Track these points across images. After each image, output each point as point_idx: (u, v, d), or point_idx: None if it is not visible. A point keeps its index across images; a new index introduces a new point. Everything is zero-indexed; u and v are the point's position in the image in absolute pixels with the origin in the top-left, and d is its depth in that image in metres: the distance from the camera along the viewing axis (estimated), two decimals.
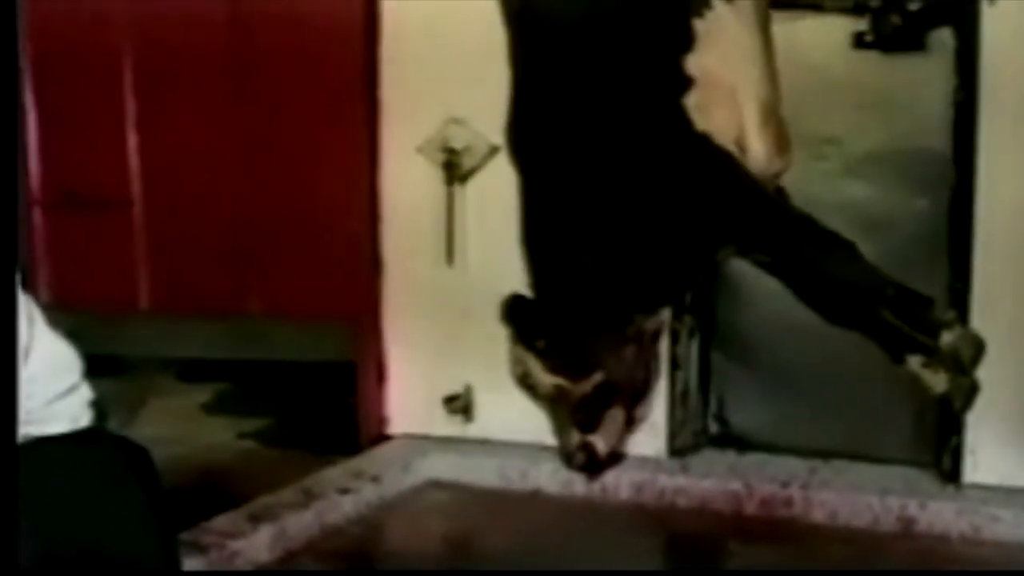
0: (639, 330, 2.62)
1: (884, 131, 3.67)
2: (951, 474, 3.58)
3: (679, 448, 3.79)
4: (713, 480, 3.63)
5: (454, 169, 4.01)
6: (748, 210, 2.49)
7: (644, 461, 3.55)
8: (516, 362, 2.64)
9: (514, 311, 2.64)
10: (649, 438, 3.40)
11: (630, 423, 2.66)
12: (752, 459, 3.77)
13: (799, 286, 2.58)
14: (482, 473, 3.83)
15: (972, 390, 2.57)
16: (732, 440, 3.88)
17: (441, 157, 3.97)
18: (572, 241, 2.52)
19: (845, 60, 3.65)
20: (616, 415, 2.61)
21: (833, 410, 3.74)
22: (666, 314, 2.74)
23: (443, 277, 4.01)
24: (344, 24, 3.91)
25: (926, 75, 3.59)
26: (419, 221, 4.00)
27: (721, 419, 3.89)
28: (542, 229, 2.58)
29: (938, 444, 3.65)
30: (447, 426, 3.97)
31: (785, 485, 3.57)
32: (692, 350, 3.87)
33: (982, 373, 2.53)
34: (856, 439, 3.72)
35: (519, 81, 2.55)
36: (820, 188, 3.58)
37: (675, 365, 3.81)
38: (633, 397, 2.67)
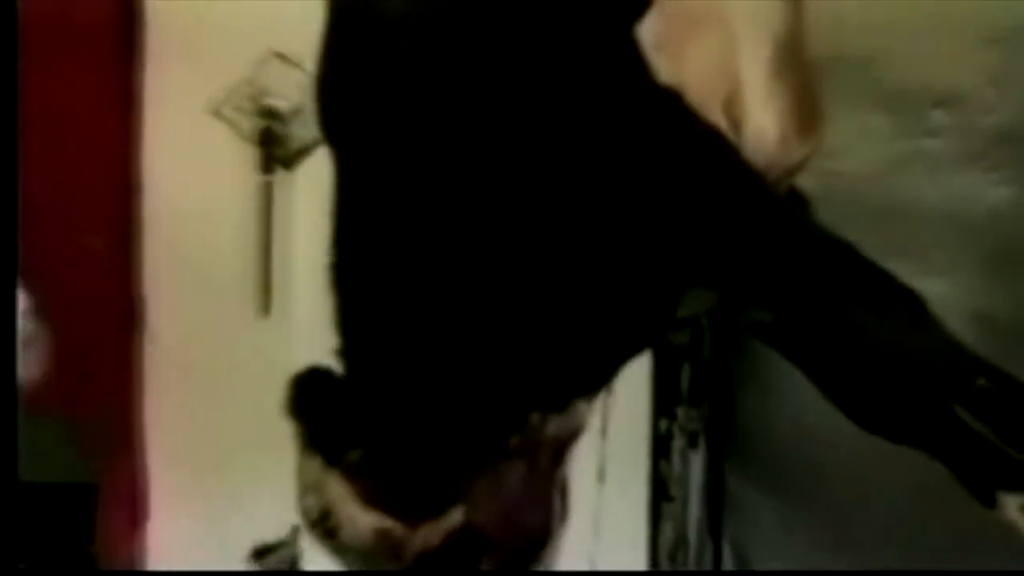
0: (533, 439, 1.60)
1: None
2: None
3: None
4: None
5: (273, 146, 2.65)
6: (737, 228, 1.50)
7: None
8: (309, 489, 1.61)
9: (307, 397, 1.64)
10: None
11: None
12: None
13: (820, 367, 1.56)
14: None
15: None
16: None
17: (251, 124, 2.65)
18: (415, 273, 1.53)
19: None
20: None
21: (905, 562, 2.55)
22: (583, 412, 1.65)
23: (252, 337, 2.65)
24: None
25: None
26: (210, 237, 2.65)
27: None
28: (363, 251, 1.57)
29: None
30: None
31: None
32: (694, 468, 2.69)
33: None
34: None
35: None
36: (909, 186, 2.41)
37: (662, 492, 2.63)
38: (517, 554, 1.60)
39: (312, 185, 2.63)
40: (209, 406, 2.65)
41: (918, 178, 2.51)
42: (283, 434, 2.35)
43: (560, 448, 1.62)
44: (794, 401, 2.56)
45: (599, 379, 1.65)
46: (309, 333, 2.48)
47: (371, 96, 1.49)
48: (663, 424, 2.64)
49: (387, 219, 1.52)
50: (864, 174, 2.33)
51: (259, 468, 2.56)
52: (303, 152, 2.67)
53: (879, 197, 2.33)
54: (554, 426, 1.58)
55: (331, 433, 1.59)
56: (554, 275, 1.51)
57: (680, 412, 2.70)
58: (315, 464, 1.59)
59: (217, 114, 2.68)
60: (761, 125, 1.59)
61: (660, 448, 2.66)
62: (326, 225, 2.09)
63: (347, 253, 1.56)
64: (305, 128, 2.63)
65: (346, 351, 1.57)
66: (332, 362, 1.60)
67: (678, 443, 2.69)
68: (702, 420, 2.71)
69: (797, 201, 1.73)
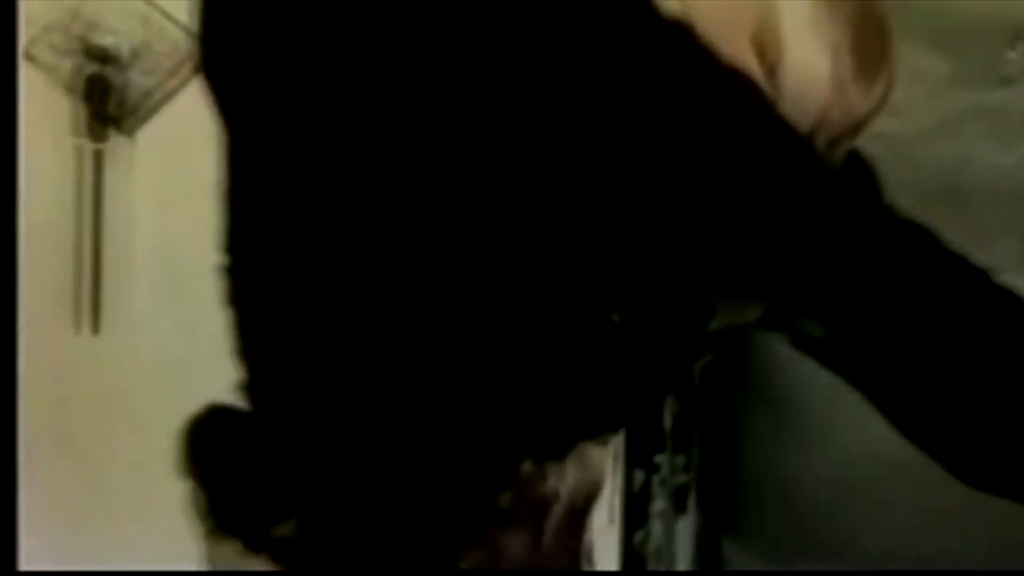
0: (531, 498, 1.25)
1: None
2: None
3: None
4: None
5: (105, 100, 2.16)
6: (775, 209, 1.22)
7: None
8: None
9: (209, 451, 1.29)
10: None
11: None
12: None
13: (895, 395, 1.26)
14: None
15: None
16: None
17: (74, 69, 2.15)
18: (345, 278, 1.23)
19: None
20: None
21: None
22: (596, 461, 1.33)
23: (74, 359, 2.25)
24: None
25: None
26: (14, 225, 2.02)
27: None
28: (270, 251, 1.28)
29: None
30: None
31: None
32: (681, 539, 2.18)
33: None
34: None
35: None
36: (972, 150, 2.06)
37: (636, 567, 2.11)
38: None
39: (160, 156, 2.19)
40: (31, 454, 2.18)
41: (984, 140, 2.17)
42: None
43: (574, 513, 1.27)
44: (820, 447, 2.12)
45: (611, 415, 1.28)
46: (155, 357, 2.25)
47: (281, 42, 1.19)
48: (638, 478, 2.11)
49: (306, 208, 1.20)
50: (912, 134, 1.98)
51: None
52: (147, 110, 2.21)
53: (931, 165, 1.98)
54: (557, 480, 1.25)
55: (251, 501, 1.24)
56: (538, 272, 1.18)
57: (662, 461, 2.18)
58: (231, 549, 1.24)
59: (28, 56, 2.23)
60: (807, 66, 1.26)
61: (634, 512, 2.13)
62: (181, 210, 2.13)
63: (247, 254, 1.25)
64: (150, 77, 2.18)
65: (252, 385, 1.24)
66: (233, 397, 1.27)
67: (659, 505, 2.16)
68: (692, 473, 2.20)
69: (859, 171, 1.42)
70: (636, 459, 2.12)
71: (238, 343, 1.28)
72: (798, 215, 1.22)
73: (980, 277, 1.27)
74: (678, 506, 2.21)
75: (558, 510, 1.28)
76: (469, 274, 1.18)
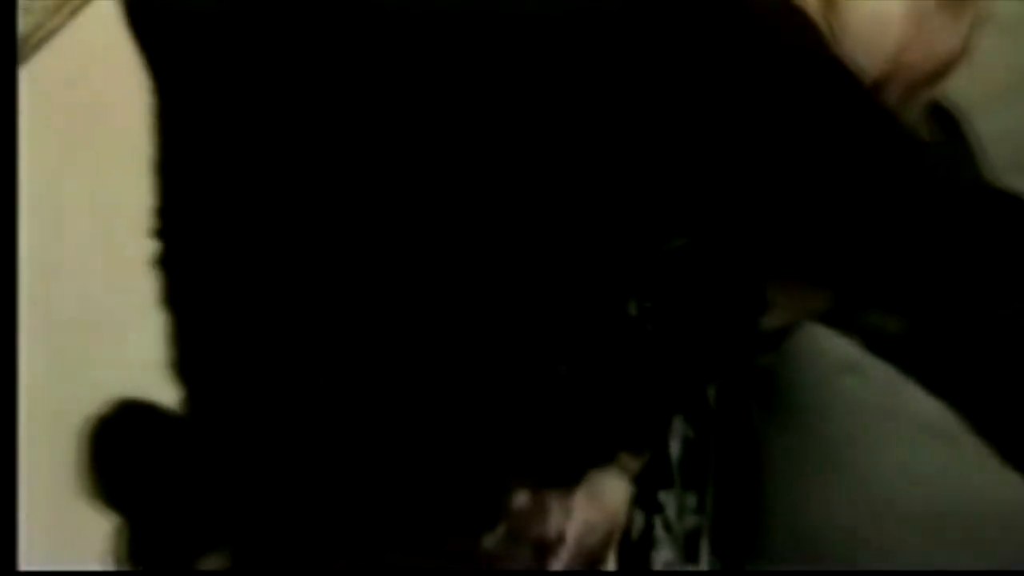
0: (528, 536, 1.02)
1: None
2: None
3: None
4: None
5: None
6: (842, 177, 1.03)
7: None
8: None
9: (121, 462, 1.10)
10: None
11: None
12: None
13: (987, 407, 1.07)
14: None
15: None
16: None
17: None
18: (300, 270, 1.04)
19: None
20: None
21: None
22: (614, 493, 1.15)
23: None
24: None
25: None
26: None
27: None
28: (209, 237, 1.10)
29: None
30: None
31: None
32: None
33: None
34: None
35: None
36: None
37: None
38: None
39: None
40: None
41: None
42: None
43: (590, 556, 1.10)
44: (857, 488, 1.73)
45: (637, 431, 1.12)
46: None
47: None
48: (637, 521, 1.72)
49: (249, 185, 1.06)
50: (978, 97, 1.59)
51: None
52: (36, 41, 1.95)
53: (1002, 134, 1.57)
54: (561, 517, 1.03)
55: (171, 526, 1.07)
56: (547, 256, 1.01)
57: (667, 500, 1.80)
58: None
59: None
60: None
61: (632, 563, 1.73)
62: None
63: (182, 240, 1.11)
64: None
65: (191, 395, 1.09)
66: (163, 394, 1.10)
67: (664, 554, 1.77)
68: (705, 514, 1.82)
69: (946, 130, 1.28)
70: (636, 497, 1.66)
71: (170, 346, 1.09)
72: (866, 183, 1.03)
73: None
74: (688, 555, 1.82)
75: (564, 556, 1.05)
76: (441, 267, 1.01)
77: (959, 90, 1.77)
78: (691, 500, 1.82)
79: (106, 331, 2.44)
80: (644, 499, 1.76)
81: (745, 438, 1.83)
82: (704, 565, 1.81)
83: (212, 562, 1.08)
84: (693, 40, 1.01)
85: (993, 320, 1.06)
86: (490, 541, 1.01)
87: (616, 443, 1.08)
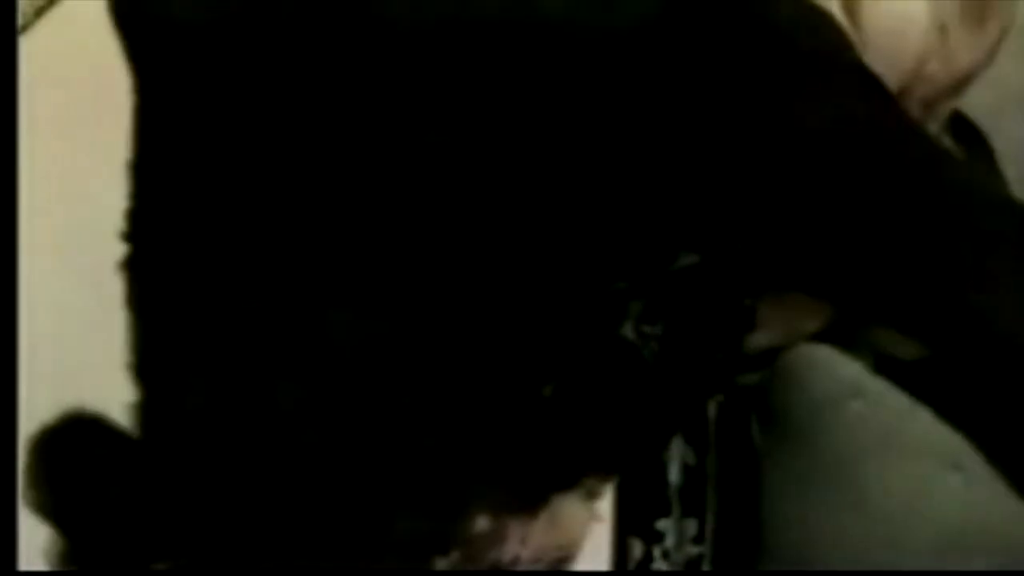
0: (481, 561, 1.01)
1: None
2: None
3: None
4: None
5: None
6: (851, 184, 0.99)
7: None
8: None
9: (64, 472, 1.10)
10: None
11: None
12: None
13: (1010, 442, 1.05)
14: None
15: None
16: None
17: None
18: (273, 276, 1.03)
19: None
20: None
21: None
22: (574, 518, 1.06)
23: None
24: None
25: None
26: None
27: None
28: (181, 237, 1.09)
29: None
30: None
31: None
32: None
33: None
34: None
35: None
36: None
37: None
38: None
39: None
40: None
41: None
42: None
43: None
44: (865, 516, 1.69)
45: (604, 453, 1.06)
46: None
47: None
48: (635, 550, 1.70)
49: (222, 195, 1.05)
50: (1002, 104, 1.60)
51: None
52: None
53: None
54: (518, 543, 1.02)
55: (115, 534, 1.07)
56: (516, 261, 0.99)
57: (667, 528, 1.76)
58: None
59: None
60: (899, 4, 1.13)
61: None
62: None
63: (154, 240, 1.10)
64: None
65: (147, 400, 1.08)
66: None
67: None
68: (706, 543, 1.78)
69: (967, 140, 1.24)
70: (632, 525, 1.71)
71: (134, 356, 1.08)
72: (890, 194, 0.99)
73: None
74: None
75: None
76: (423, 275, 0.98)
77: (982, 99, 1.77)
78: (691, 528, 1.78)
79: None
80: (642, 528, 1.73)
81: (746, 463, 1.79)
82: None
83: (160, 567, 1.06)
84: (714, 48, 0.98)
85: (1015, 346, 1.01)
86: (442, 565, 0.99)
87: (582, 467, 1.05)
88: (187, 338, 1.06)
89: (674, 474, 1.73)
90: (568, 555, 1.07)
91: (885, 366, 1.13)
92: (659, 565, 1.71)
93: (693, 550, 1.75)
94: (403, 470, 0.96)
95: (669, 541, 1.74)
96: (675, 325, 0.99)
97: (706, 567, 1.77)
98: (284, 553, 0.97)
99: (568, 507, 1.04)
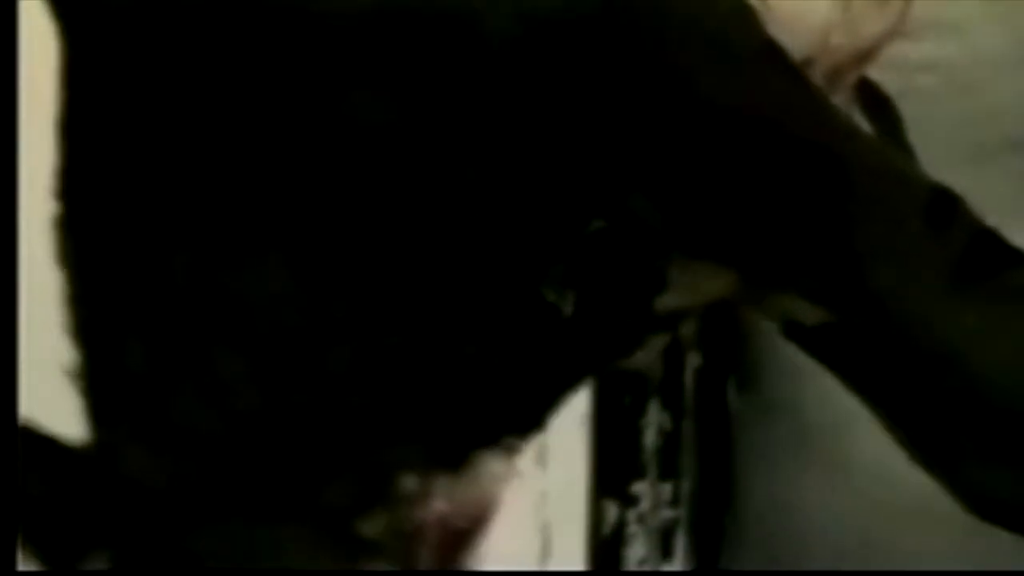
0: (403, 523, 1.03)
1: None
2: None
3: None
4: None
5: None
6: (754, 150, 1.02)
7: None
8: None
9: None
10: None
11: None
12: None
13: (906, 405, 1.08)
14: None
15: None
16: None
17: None
18: (214, 233, 1.03)
19: None
20: None
21: None
22: (491, 477, 1.07)
23: None
24: None
25: None
26: None
27: None
28: (118, 195, 1.06)
29: None
30: None
31: None
32: None
33: None
34: None
35: None
36: None
37: None
38: None
39: None
40: None
41: None
42: None
43: (454, 541, 1.07)
44: (842, 475, 1.67)
45: (525, 413, 1.06)
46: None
47: None
48: (610, 513, 1.70)
49: (159, 142, 1.02)
50: (977, 61, 1.60)
51: None
52: None
53: (1005, 102, 1.58)
54: (444, 499, 1.05)
55: (53, 517, 1.07)
56: (424, 223, 0.99)
57: (642, 491, 1.76)
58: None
59: None
60: None
61: (605, 560, 1.70)
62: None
63: (86, 197, 1.06)
64: None
65: (89, 359, 1.05)
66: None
67: (638, 550, 1.73)
68: (682, 506, 1.79)
69: (876, 110, 1.24)
70: (607, 488, 1.71)
71: (71, 316, 1.05)
72: (781, 165, 1.00)
73: (1013, 259, 1.07)
74: (664, 551, 1.82)
75: (430, 541, 1.03)
76: (351, 236, 0.98)
77: (955, 56, 1.74)
78: (666, 492, 1.78)
79: None
80: (617, 491, 1.73)
81: (722, 427, 1.80)
82: (679, 560, 1.78)
83: (95, 561, 1.05)
84: (620, 27, 0.99)
85: (911, 322, 1.03)
86: (367, 529, 1.00)
87: (503, 424, 1.07)
88: (122, 299, 1.05)
89: (650, 438, 1.73)
90: (488, 511, 1.10)
91: (792, 330, 1.10)
92: (634, 529, 1.71)
93: (668, 513, 1.75)
94: (332, 433, 0.97)
95: (644, 504, 1.74)
96: (589, 286, 1.01)
97: (681, 531, 1.77)
98: (215, 517, 0.97)
99: (489, 464, 1.05)
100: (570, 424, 1.67)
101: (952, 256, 1.03)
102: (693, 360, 1.68)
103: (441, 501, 1.00)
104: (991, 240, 1.05)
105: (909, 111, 1.27)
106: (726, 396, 1.75)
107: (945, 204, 1.03)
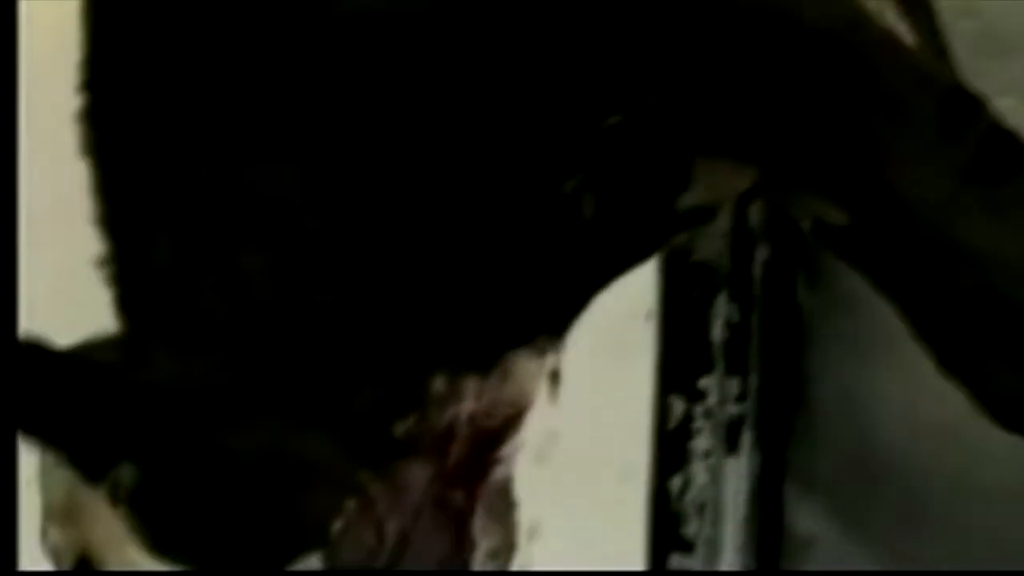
0: (435, 422, 1.02)
1: None
2: None
3: None
4: None
5: None
6: (769, 41, 0.97)
7: None
8: (56, 515, 1.11)
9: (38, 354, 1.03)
10: None
11: None
12: None
13: (930, 308, 1.03)
14: None
15: None
16: None
17: None
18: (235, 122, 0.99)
19: None
20: None
21: None
22: (524, 375, 1.05)
23: None
24: None
25: None
26: None
27: None
28: (149, 82, 1.04)
29: None
30: None
31: None
32: (730, 489, 1.71)
33: None
34: None
35: None
36: None
37: (672, 538, 1.66)
38: None
39: None
40: None
41: None
42: None
43: (487, 439, 1.06)
44: (908, 370, 1.55)
45: (552, 312, 1.04)
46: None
47: None
48: (676, 408, 1.69)
49: (187, 35, 1.01)
50: None
51: None
52: None
53: None
54: (474, 398, 1.03)
55: (84, 427, 1.07)
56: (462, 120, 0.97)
57: (709, 386, 1.74)
58: (64, 476, 1.08)
59: None
60: None
61: (670, 453, 1.70)
62: None
63: (113, 88, 1.05)
64: None
65: (117, 254, 1.03)
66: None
67: (703, 443, 1.72)
68: (748, 401, 1.76)
69: (911, 4, 1.10)
70: (673, 383, 1.69)
71: (100, 207, 1.05)
72: (796, 60, 0.97)
73: None
74: (729, 445, 1.80)
75: (464, 433, 1.03)
76: (374, 144, 0.97)
77: None
78: (733, 387, 1.77)
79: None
80: (684, 386, 1.72)
81: (791, 322, 1.76)
82: (745, 454, 1.76)
83: (123, 474, 1.06)
84: None
85: (924, 220, 0.99)
86: (401, 428, 1.00)
87: (535, 325, 1.05)
88: (148, 192, 1.04)
89: (717, 332, 1.71)
90: (521, 409, 1.07)
91: (820, 231, 1.06)
92: (700, 424, 1.71)
93: (735, 409, 1.74)
94: (360, 336, 0.96)
95: (711, 399, 1.73)
96: (612, 186, 1.00)
97: (748, 427, 1.75)
98: (247, 418, 0.97)
99: (521, 363, 1.05)
100: (630, 325, 1.67)
101: (966, 157, 0.99)
102: (762, 252, 1.66)
103: (473, 401, 1.00)
104: (1009, 142, 1.01)
105: None
106: (795, 289, 1.73)
107: (962, 104, 0.99)
